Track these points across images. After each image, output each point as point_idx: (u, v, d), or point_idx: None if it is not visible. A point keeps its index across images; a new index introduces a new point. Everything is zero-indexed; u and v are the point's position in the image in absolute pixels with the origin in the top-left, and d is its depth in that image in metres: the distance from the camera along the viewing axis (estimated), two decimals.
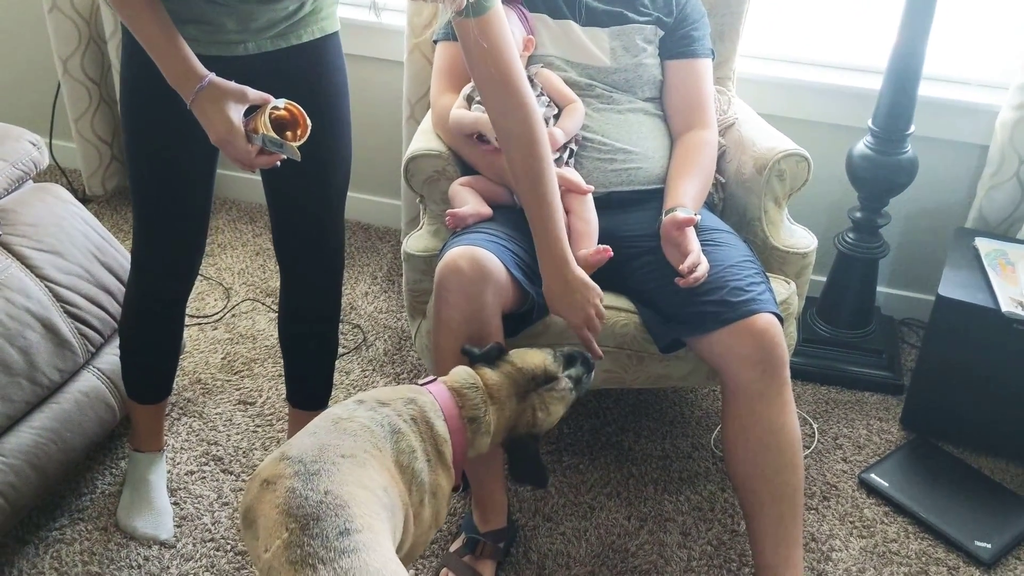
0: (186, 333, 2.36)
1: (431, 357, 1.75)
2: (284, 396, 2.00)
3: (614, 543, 1.89)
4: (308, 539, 1.13)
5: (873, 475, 2.05)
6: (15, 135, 1.96)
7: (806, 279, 1.95)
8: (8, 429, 1.74)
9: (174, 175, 1.62)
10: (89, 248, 1.95)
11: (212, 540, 1.85)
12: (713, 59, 1.98)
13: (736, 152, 2.01)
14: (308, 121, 1.46)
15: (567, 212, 1.71)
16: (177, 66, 1.42)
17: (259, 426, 2.13)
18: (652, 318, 1.76)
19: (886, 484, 2.03)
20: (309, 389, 1.91)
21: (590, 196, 1.77)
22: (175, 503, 1.92)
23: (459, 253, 1.62)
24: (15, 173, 1.91)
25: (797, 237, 1.94)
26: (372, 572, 1.10)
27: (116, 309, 1.93)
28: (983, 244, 2.17)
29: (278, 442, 2.08)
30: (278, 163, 1.48)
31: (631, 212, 1.83)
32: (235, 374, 2.29)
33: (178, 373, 2.23)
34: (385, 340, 2.43)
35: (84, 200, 2.94)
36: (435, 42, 2.00)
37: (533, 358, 1.53)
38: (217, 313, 2.50)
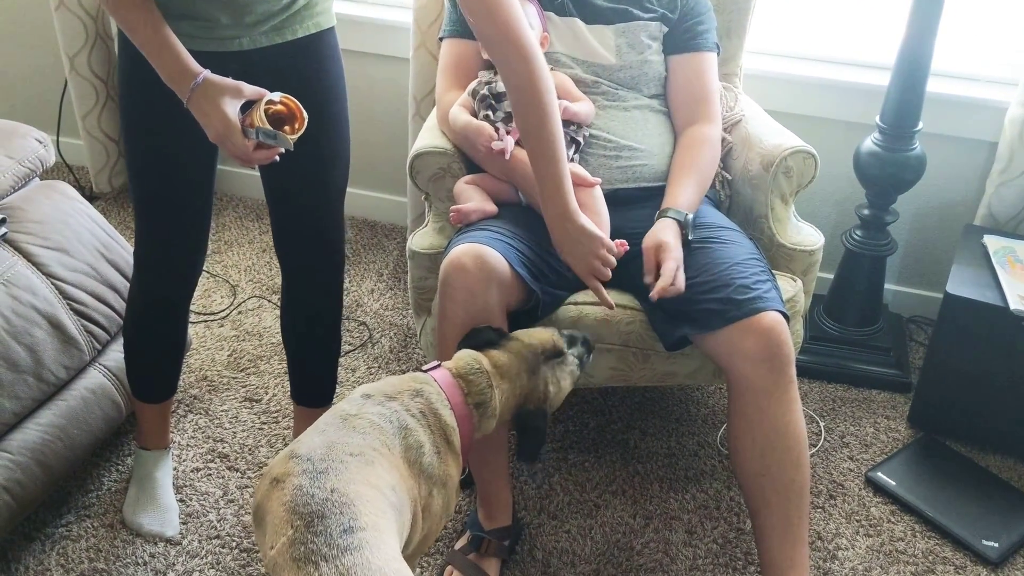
0: (192, 330, 2.38)
1: (436, 355, 1.74)
2: (290, 393, 2.00)
3: (619, 541, 1.89)
4: (312, 536, 1.13)
5: (880, 473, 2.05)
6: (22, 132, 1.97)
7: (813, 277, 1.94)
8: (15, 426, 1.74)
9: (173, 173, 1.62)
10: (95, 245, 1.95)
11: (218, 537, 1.85)
12: (719, 53, 1.97)
13: (743, 149, 2.00)
14: (305, 114, 1.46)
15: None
16: (172, 65, 1.42)
17: (265, 423, 2.13)
18: (658, 315, 1.76)
19: (893, 483, 2.02)
20: (313, 386, 1.91)
21: (599, 190, 1.77)
22: (181, 500, 1.92)
23: (464, 251, 1.62)
24: (22, 170, 1.92)
25: (804, 234, 1.93)
26: (374, 570, 1.10)
27: (122, 307, 1.93)
28: (992, 241, 2.16)
29: (284, 439, 2.08)
30: (277, 158, 1.48)
31: (637, 209, 1.82)
32: (241, 371, 2.29)
33: (184, 370, 2.24)
34: (391, 337, 2.43)
35: (91, 197, 2.95)
36: (440, 39, 1.99)
37: (540, 335, 1.56)
38: (223, 310, 2.51)
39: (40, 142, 1.97)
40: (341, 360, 2.29)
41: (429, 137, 1.93)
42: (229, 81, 1.43)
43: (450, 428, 1.40)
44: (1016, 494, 2.01)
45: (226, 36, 1.51)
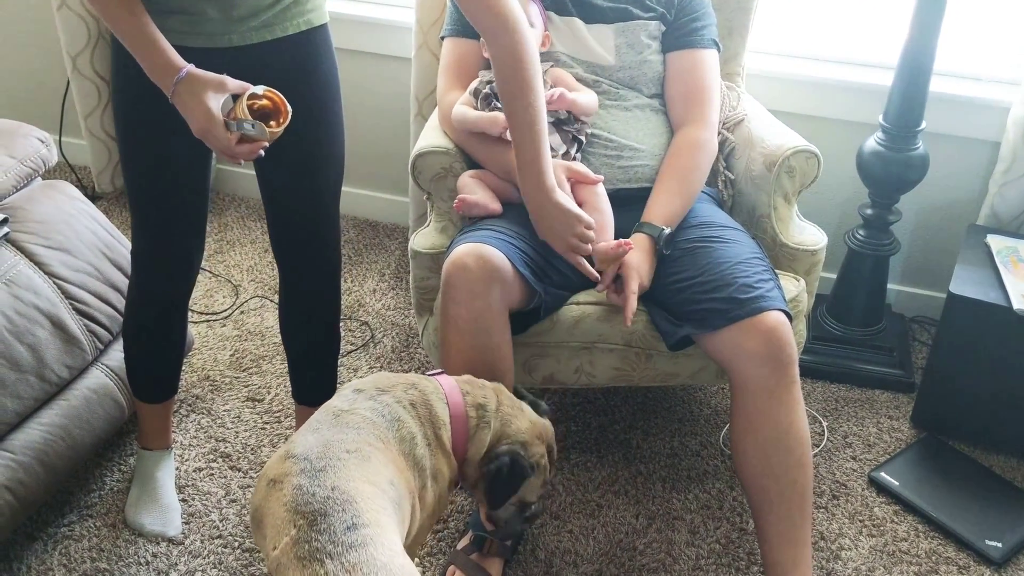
0: (195, 330, 2.38)
1: (438, 354, 1.74)
2: (291, 393, 2.00)
3: (622, 541, 1.89)
4: (316, 535, 1.13)
5: (883, 473, 2.04)
6: (24, 132, 1.97)
7: (816, 276, 1.94)
8: (17, 426, 1.74)
9: (166, 169, 1.61)
10: (98, 245, 1.95)
11: (220, 537, 1.85)
12: (719, 51, 1.97)
13: (745, 148, 2.00)
14: (289, 108, 1.46)
15: (580, 205, 1.71)
16: (155, 59, 1.42)
17: (267, 423, 2.13)
18: (660, 315, 1.76)
19: (896, 483, 2.02)
20: (313, 385, 1.90)
21: (602, 187, 1.77)
22: (183, 500, 1.92)
23: (466, 251, 1.62)
24: (24, 170, 1.92)
25: (807, 234, 1.93)
26: (379, 566, 1.11)
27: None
28: (995, 241, 2.16)
29: (287, 439, 2.08)
30: (261, 152, 1.48)
31: (637, 209, 1.82)
32: (243, 371, 2.29)
33: (186, 370, 2.24)
34: (393, 337, 2.43)
35: (93, 197, 2.95)
36: (442, 38, 1.99)
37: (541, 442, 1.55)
38: (226, 310, 2.51)
39: (42, 142, 1.97)
40: (343, 360, 2.30)
41: (431, 137, 1.93)
42: (213, 75, 1.43)
43: (440, 421, 1.39)
44: (1020, 494, 2.00)
45: (215, 32, 1.51)
